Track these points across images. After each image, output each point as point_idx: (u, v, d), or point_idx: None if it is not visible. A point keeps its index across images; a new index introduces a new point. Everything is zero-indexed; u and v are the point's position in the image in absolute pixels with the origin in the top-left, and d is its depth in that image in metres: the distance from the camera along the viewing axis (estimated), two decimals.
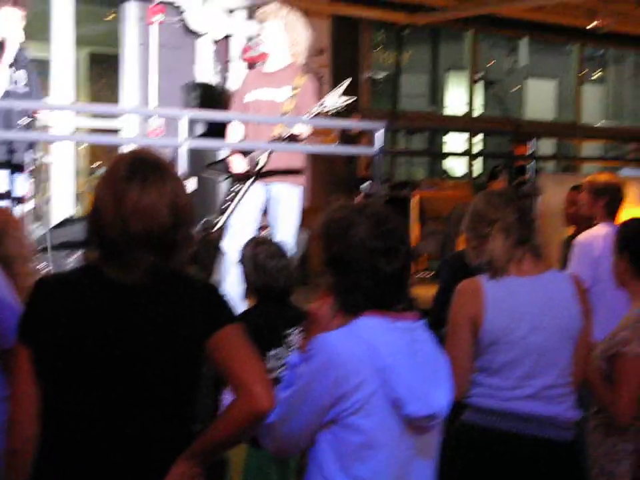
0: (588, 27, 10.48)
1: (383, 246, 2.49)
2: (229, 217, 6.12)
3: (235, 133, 6.39)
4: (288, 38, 6.36)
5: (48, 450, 2.46)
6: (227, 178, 6.27)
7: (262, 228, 6.38)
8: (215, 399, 3.57)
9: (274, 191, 6.29)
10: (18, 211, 5.99)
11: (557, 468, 3.45)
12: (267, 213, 6.34)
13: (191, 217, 2.57)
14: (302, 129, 6.17)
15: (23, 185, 6.21)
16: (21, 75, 6.30)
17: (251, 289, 4.14)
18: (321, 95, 9.03)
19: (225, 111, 6.38)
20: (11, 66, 6.20)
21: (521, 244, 3.51)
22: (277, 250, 4.17)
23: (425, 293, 6.37)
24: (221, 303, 2.57)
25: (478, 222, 3.56)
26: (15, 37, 6.17)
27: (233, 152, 6.32)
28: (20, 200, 6.17)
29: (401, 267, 2.52)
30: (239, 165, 6.26)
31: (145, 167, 2.48)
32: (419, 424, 2.47)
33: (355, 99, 6.15)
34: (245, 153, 6.25)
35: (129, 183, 2.44)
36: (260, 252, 4.10)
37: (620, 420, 3.72)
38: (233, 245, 6.05)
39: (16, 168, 6.15)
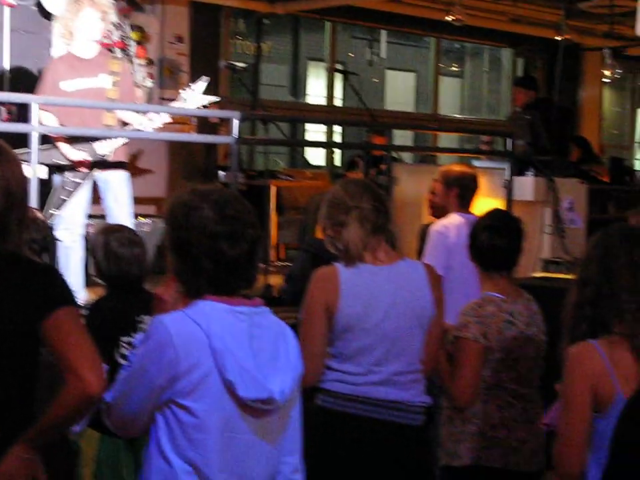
0: (444, 20, 10.64)
1: (225, 230, 2.50)
2: (64, 205, 6.03)
3: (46, 119, 6.21)
4: (102, 24, 6.32)
5: None
6: (65, 167, 6.13)
7: (98, 217, 6.32)
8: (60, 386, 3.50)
9: (103, 179, 6.23)
10: None
11: (406, 451, 3.52)
12: (101, 201, 6.29)
13: (25, 200, 2.55)
14: (159, 121, 6.16)
15: None
16: None
17: (103, 278, 4.06)
18: (179, 83, 8.93)
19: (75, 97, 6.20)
20: None
21: (376, 232, 3.55)
22: (129, 238, 4.10)
23: (281, 281, 6.38)
24: (57, 285, 2.56)
25: (335, 209, 3.58)
26: None
27: (57, 139, 6.18)
28: None
29: (246, 252, 2.52)
30: (74, 153, 6.15)
31: None
32: (255, 407, 2.48)
33: (219, 99, 6.14)
34: (72, 141, 6.13)
35: None
36: (112, 240, 4.03)
37: (458, 402, 3.82)
38: (67, 234, 6.00)
39: None
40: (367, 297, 3.50)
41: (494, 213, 4.18)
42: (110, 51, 6.74)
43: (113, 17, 6.45)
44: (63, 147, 6.16)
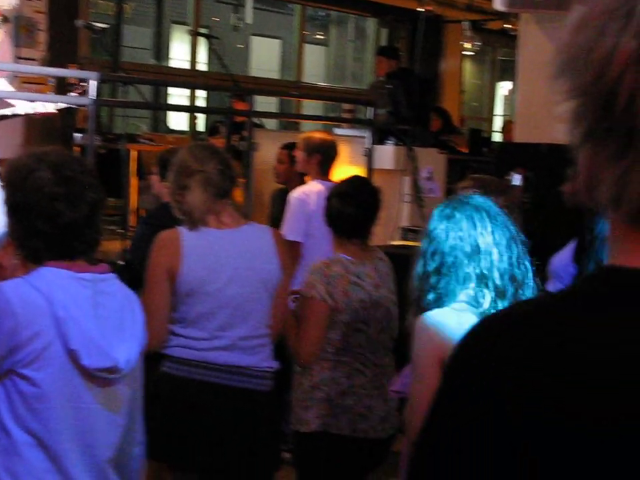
0: None
1: (63, 192, 2.43)
2: None
3: None
4: None
5: None
6: None
7: None
8: None
9: None
10: None
11: (254, 417, 3.53)
12: None
13: None
14: None
15: None
16: None
17: None
18: (36, 42, 8.64)
19: None
20: None
21: (221, 197, 3.56)
22: None
23: None
24: None
25: (180, 173, 3.58)
26: None
27: None
28: None
29: (85, 215, 2.46)
30: None
31: None
32: (99, 376, 2.43)
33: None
34: None
35: None
36: None
37: (302, 360, 3.83)
38: None
39: None
40: (210, 260, 3.50)
41: (350, 180, 4.21)
42: None
43: None
44: None
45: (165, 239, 3.52)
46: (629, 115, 0.87)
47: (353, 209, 3.93)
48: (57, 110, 8.59)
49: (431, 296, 2.83)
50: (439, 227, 2.85)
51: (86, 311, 2.42)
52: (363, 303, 3.82)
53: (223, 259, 3.50)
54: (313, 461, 3.86)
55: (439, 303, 2.80)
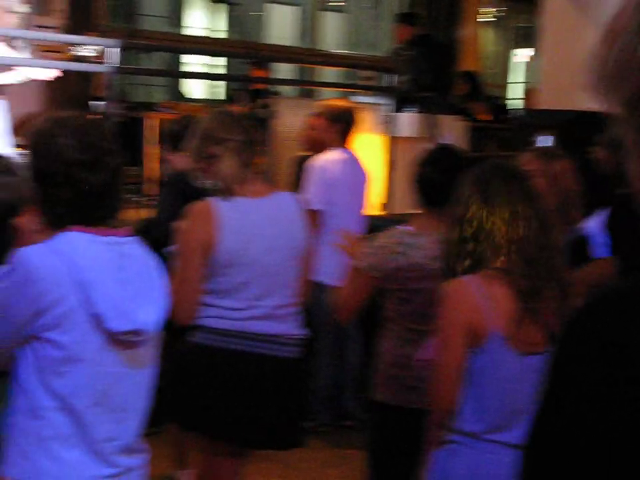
0: None
1: (84, 158, 2.42)
2: None
3: None
4: None
5: None
6: None
7: None
8: None
9: None
10: None
11: (284, 383, 3.53)
12: None
13: None
14: None
15: None
16: None
17: None
18: (55, 9, 8.58)
19: None
20: None
21: (249, 165, 3.51)
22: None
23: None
24: None
25: (206, 141, 3.51)
26: None
27: None
28: None
29: (107, 181, 2.45)
30: None
31: None
32: (123, 339, 2.43)
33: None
34: None
35: None
36: None
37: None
38: None
39: None
40: (247, 231, 3.46)
41: (439, 148, 3.78)
42: None
43: None
44: None
45: (198, 211, 3.45)
46: None
47: (439, 175, 3.48)
48: (71, 76, 8.55)
49: (466, 262, 2.78)
50: (473, 192, 2.80)
51: (109, 274, 2.40)
52: (400, 271, 3.42)
53: (258, 228, 3.46)
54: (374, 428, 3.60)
55: (472, 269, 2.77)
